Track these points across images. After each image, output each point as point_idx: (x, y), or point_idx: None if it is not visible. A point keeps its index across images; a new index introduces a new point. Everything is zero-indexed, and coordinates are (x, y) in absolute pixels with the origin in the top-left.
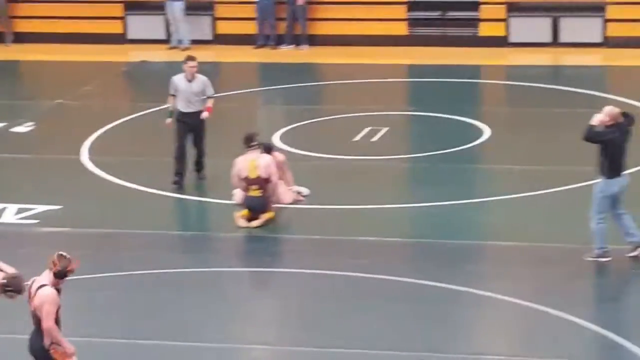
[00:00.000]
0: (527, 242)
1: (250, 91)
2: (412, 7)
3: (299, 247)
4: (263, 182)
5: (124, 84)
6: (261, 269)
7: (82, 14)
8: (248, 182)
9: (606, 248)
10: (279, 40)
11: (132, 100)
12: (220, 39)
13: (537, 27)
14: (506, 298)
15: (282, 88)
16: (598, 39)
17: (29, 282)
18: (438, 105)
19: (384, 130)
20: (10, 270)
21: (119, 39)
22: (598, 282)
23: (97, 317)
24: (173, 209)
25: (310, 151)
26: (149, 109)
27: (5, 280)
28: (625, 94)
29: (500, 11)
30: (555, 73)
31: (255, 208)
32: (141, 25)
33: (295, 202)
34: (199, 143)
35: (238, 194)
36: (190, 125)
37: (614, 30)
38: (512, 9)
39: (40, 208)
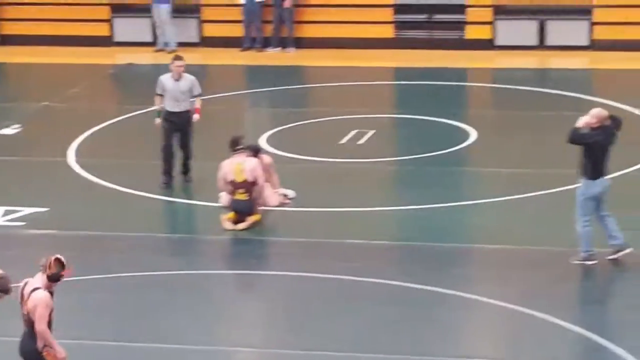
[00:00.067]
0: (514, 245)
1: (237, 94)
2: (398, 10)
3: (285, 249)
4: (249, 186)
5: (110, 87)
6: (247, 272)
7: (68, 17)
8: (234, 186)
9: (592, 251)
10: (266, 43)
11: (118, 103)
12: (207, 42)
13: (523, 30)
14: (493, 301)
15: (269, 91)
16: (584, 42)
17: (21, 284)
18: (425, 108)
19: (371, 132)
20: None
21: (106, 41)
22: (583, 284)
23: (86, 319)
24: (160, 211)
25: (297, 154)
26: (136, 111)
27: None
28: (611, 97)
29: (486, 14)
30: (542, 76)
31: (241, 211)
32: (128, 27)
33: (282, 204)
34: (186, 143)
35: (224, 197)
36: (178, 125)
37: (601, 33)
38: (499, 11)
39: (26, 210)
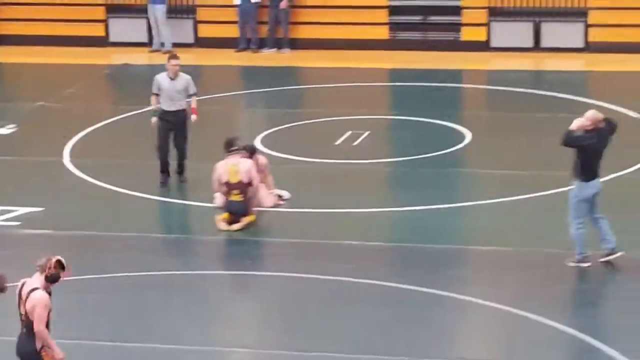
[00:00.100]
0: (508, 247)
1: (232, 94)
2: (393, 11)
3: (279, 250)
4: (244, 187)
5: (106, 87)
6: (242, 272)
7: (64, 17)
8: (229, 187)
9: (586, 254)
10: (261, 44)
11: (114, 103)
12: (202, 42)
13: (518, 32)
14: (487, 303)
15: (264, 91)
16: (580, 44)
17: (19, 284)
18: (419, 109)
19: (366, 134)
20: None
21: (101, 41)
22: (577, 287)
23: (81, 319)
24: (154, 211)
25: (292, 154)
26: (131, 111)
27: None
28: (606, 99)
29: (481, 16)
30: (537, 78)
31: (236, 212)
32: (123, 28)
33: (276, 205)
34: (181, 143)
35: (219, 198)
36: (173, 124)
37: (596, 35)
38: (494, 13)
39: (22, 210)
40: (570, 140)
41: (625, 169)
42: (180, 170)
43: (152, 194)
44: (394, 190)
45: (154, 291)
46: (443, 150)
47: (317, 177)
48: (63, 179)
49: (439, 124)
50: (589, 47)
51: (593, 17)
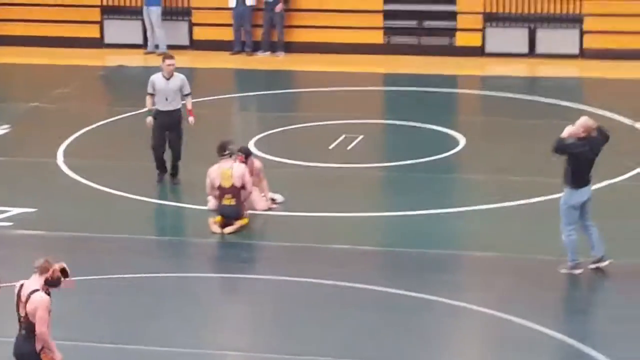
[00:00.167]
0: (500, 253)
1: (226, 97)
2: (388, 15)
3: (272, 254)
4: (237, 191)
5: (100, 88)
6: (234, 275)
7: (59, 18)
8: (222, 191)
9: (578, 260)
10: (255, 47)
11: (108, 105)
12: (197, 45)
13: (513, 38)
14: (478, 308)
15: (258, 94)
16: (575, 50)
17: (17, 286)
18: (413, 114)
19: (359, 138)
20: None
21: (97, 43)
22: (569, 293)
23: (74, 320)
24: (147, 213)
25: (285, 158)
26: (125, 113)
27: None
28: (601, 106)
29: (477, 21)
30: (532, 84)
31: (229, 216)
32: (118, 30)
33: (269, 209)
34: (175, 143)
35: (212, 201)
36: (168, 124)
37: (591, 42)
38: (489, 19)
39: (15, 211)
40: (561, 147)
41: (619, 176)
42: (174, 172)
43: (145, 196)
44: (387, 194)
45: (147, 293)
46: (436, 155)
47: (311, 181)
48: (57, 180)
49: (432, 129)
50: (584, 54)
51: (588, 24)
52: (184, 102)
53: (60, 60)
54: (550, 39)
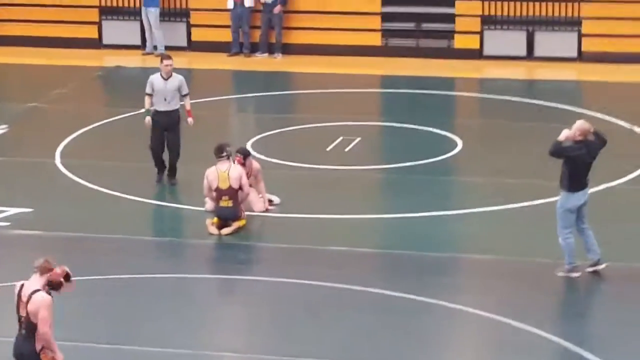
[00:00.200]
0: (498, 256)
1: (224, 98)
2: (386, 18)
3: (269, 255)
4: (234, 193)
5: (98, 89)
6: (231, 276)
7: (57, 18)
8: (219, 193)
9: (575, 263)
10: (253, 48)
11: (106, 105)
12: (195, 46)
13: (512, 41)
14: (476, 311)
15: (256, 96)
16: (573, 53)
17: (17, 286)
18: (411, 116)
19: (357, 140)
20: None
21: (95, 44)
22: (566, 296)
23: (70, 321)
24: (145, 214)
25: (283, 160)
26: (123, 114)
27: None
28: (599, 110)
29: (475, 24)
30: (530, 87)
31: (226, 218)
32: (116, 30)
33: (267, 210)
34: (174, 143)
35: (209, 202)
36: (166, 124)
37: (589, 45)
38: (487, 21)
39: (12, 210)
40: (558, 150)
41: (617, 179)
42: (172, 172)
43: (143, 197)
44: (385, 197)
45: (144, 294)
46: (434, 157)
47: (308, 183)
48: (54, 180)
49: (430, 132)
50: (582, 57)
51: (587, 27)
52: (182, 102)
53: (58, 60)
54: (548, 42)
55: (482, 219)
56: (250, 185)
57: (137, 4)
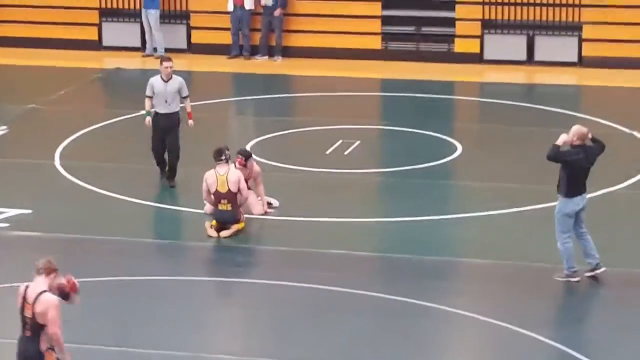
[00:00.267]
0: (497, 260)
1: (224, 101)
2: (386, 21)
3: (268, 258)
4: (233, 196)
5: (98, 91)
6: (230, 279)
7: (57, 20)
8: (218, 196)
9: (574, 268)
10: (253, 51)
11: (106, 107)
12: (195, 48)
13: (512, 45)
14: (474, 315)
15: (255, 99)
16: (574, 58)
17: (21, 287)
18: (411, 120)
19: (356, 143)
20: None
21: (95, 45)
22: (564, 301)
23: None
24: (144, 216)
25: (282, 163)
26: (123, 115)
27: None
28: (599, 115)
29: (475, 28)
30: (530, 91)
31: (225, 221)
32: (116, 32)
33: (265, 213)
34: (174, 145)
35: (208, 205)
36: (167, 126)
37: (590, 49)
38: (488, 26)
39: (11, 212)
40: (556, 155)
41: (618, 184)
42: (171, 174)
43: (142, 199)
44: (384, 200)
45: (142, 296)
46: (434, 161)
47: (307, 186)
48: (53, 182)
49: (430, 135)
50: (583, 62)
51: (587, 32)
52: (182, 104)
53: (58, 62)
54: (549, 47)
55: (481, 223)
56: (249, 188)
57: (137, 6)
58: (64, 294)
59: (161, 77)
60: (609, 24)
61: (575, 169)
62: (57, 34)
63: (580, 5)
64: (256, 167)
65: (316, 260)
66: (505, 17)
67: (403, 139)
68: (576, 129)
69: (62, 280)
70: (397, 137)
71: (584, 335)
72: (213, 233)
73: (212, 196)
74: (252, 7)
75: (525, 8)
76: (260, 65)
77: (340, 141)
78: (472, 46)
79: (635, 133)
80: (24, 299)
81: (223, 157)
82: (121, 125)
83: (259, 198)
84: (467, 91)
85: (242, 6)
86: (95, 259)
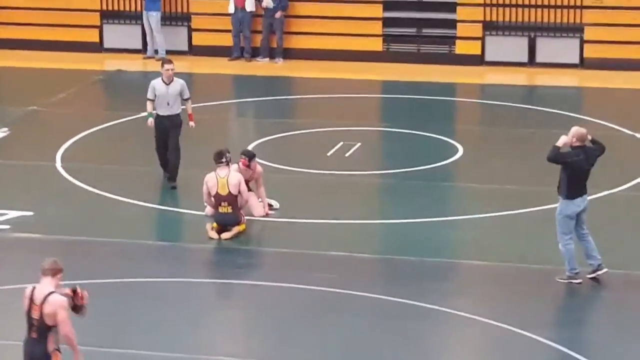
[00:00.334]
0: (498, 262)
1: (225, 103)
2: (387, 23)
3: (269, 260)
4: (233, 199)
5: (99, 93)
6: (230, 281)
7: (59, 22)
8: (219, 199)
9: (576, 270)
10: (254, 53)
11: (106, 109)
12: (196, 50)
13: (513, 47)
14: (475, 317)
15: (256, 101)
16: (575, 60)
17: (28, 289)
18: (412, 122)
19: (358, 145)
20: None
21: (96, 47)
22: (565, 302)
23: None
24: (145, 218)
25: (283, 164)
26: (124, 117)
27: None
28: (601, 116)
29: (476, 29)
30: (531, 93)
31: (225, 224)
32: (117, 34)
33: (266, 215)
34: (174, 147)
35: (209, 208)
36: (168, 128)
37: (592, 51)
38: (489, 27)
39: (12, 214)
40: (556, 156)
41: (619, 185)
42: (172, 176)
43: (143, 201)
44: (385, 202)
45: (143, 298)
46: (435, 163)
47: (308, 188)
48: (54, 184)
49: (431, 137)
50: (584, 63)
51: (589, 33)
52: (183, 107)
53: (59, 64)
54: (550, 48)
55: (482, 224)
56: (250, 190)
57: (139, 8)
58: (76, 307)
59: (162, 79)
60: (611, 26)
61: (575, 170)
62: (58, 36)
63: (582, 7)
64: (259, 168)
65: (317, 262)
66: (507, 19)
67: (404, 140)
68: (575, 130)
69: (67, 291)
70: (398, 138)
71: (585, 336)
72: (214, 235)
73: (213, 199)
74: (253, 9)
75: (526, 10)
76: (261, 67)
77: (341, 143)
78: (473, 48)
79: (637, 135)
80: (31, 300)
81: (224, 160)
82: (122, 127)
83: (260, 200)
84: (468, 93)
85: (243, 8)
86: (96, 261)
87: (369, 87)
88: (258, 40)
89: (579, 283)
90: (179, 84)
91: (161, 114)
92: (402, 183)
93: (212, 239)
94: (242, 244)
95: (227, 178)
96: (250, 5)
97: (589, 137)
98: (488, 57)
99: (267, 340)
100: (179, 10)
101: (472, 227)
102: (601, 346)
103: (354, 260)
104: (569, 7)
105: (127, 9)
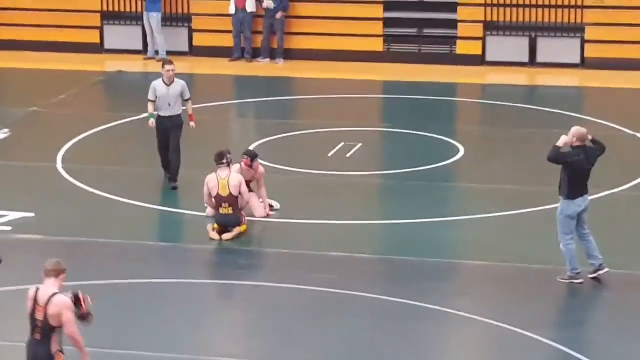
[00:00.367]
0: (499, 262)
1: (225, 103)
2: (388, 23)
3: (269, 260)
4: (234, 200)
5: (100, 94)
6: (232, 282)
7: (59, 23)
8: (219, 200)
9: (578, 270)
10: (255, 54)
11: (107, 110)
12: (197, 51)
13: (514, 47)
14: (476, 317)
15: (257, 101)
16: (576, 59)
17: (31, 290)
18: (413, 122)
19: (358, 146)
20: None
21: (96, 48)
22: (566, 303)
23: None
24: (146, 219)
25: (284, 165)
26: (124, 118)
27: None
28: (602, 116)
29: (477, 30)
30: (532, 93)
31: (226, 225)
32: (118, 35)
33: (267, 215)
34: (175, 147)
35: (210, 208)
36: (170, 129)
37: (592, 51)
38: (490, 27)
39: (13, 215)
40: (556, 156)
41: (620, 185)
42: (173, 177)
43: (144, 202)
44: (386, 203)
45: (145, 299)
46: (436, 163)
47: (309, 189)
48: (55, 185)
49: (432, 138)
50: (585, 63)
51: (590, 33)
52: (184, 107)
53: (60, 65)
54: (551, 48)
55: (483, 225)
56: (251, 190)
57: (139, 9)
58: (82, 316)
59: (163, 80)
60: (612, 26)
61: (575, 170)
62: (58, 37)
63: (583, 7)
64: (261, 169)
65: (318, 263)
66: (508, 19)
67: (405, 141)
68: (575, 129)
69: (69, 295)
70: (399, 139)
71: (586, 336)
72: (215, 236)
73: (214, 200)
74: (254, 10)
75: (527, 10)
76: (262, 67)
77: (342, 144)
78: (474, 48)
79: (638, 135)
80: (35, 301)
81: (224, 161)
82: (123, 128)
83: (261, 201)
84: (469, 93)
85: (244, 9)
86: (98, 261)
87: (370, 88)
88: (259, 41)
89: (580, 283)
90: (179, 84)
91: (162, 114)
92: (403, 183)
93: (213, 239)
94: (243, 244)
95: (227, 179)
96: (251, 6)
97: (590, 137)
98: (489, 57)
99: (268, 341)
100: (180, 11)
101: (472, 228)
102: (602, 346)
103: (355, 261)
104: (569, 7)
105: (128, 10)
